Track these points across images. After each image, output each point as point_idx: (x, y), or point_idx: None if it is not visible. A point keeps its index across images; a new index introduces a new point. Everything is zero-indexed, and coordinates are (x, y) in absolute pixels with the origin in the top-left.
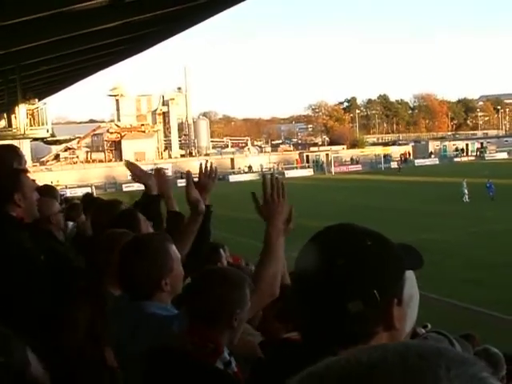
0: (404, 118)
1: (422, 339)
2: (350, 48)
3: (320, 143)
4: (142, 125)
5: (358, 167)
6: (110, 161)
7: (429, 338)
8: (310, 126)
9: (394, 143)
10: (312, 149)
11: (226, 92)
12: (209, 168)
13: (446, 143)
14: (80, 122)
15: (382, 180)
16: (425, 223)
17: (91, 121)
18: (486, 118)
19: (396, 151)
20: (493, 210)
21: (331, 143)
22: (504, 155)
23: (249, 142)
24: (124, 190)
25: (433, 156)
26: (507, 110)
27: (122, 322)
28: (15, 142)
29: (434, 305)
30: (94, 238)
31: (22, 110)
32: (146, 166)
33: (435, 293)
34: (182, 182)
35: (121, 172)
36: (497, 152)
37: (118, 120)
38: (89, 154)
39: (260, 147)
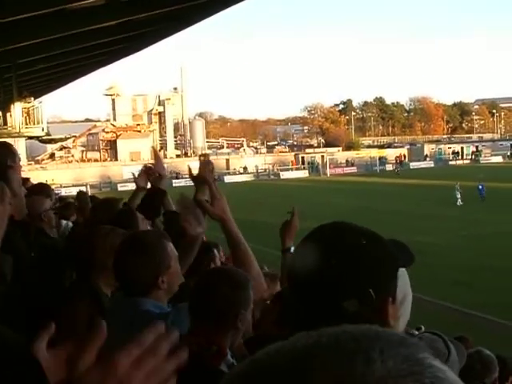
0: (400, 120)
1: (416, 339)
2: (347, 50)
3: (315, 145)
4: (138, 124)
5: (354, 169)
6: (106, 160)
7: (423, 338)
8: (306, 127)
9: (389, 146)
10: (307, 150)
11: (222, 93)
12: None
13: (442, 146)
14: (76, 121)
15: (377, 182)
16: (419, 226)
17: (87, 120)
18: (482, 122)
19: (391, 154)
20: (486, 213)
21: (327, 145)
22: (499, 159)
23: (244, 143)
24: (119, 189)
25: (428, 159)
26: (502, 113)
27: (116, 318)
28: (10, 141)
29: (426, 307)
30: (84, 235)
31: (17, 108)
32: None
33: (427, 295)
34: (177, 182)
35: (116, 171)
36: (492, 155)
37: (114, 119)
38: (84, 153)
39: (255, 148)
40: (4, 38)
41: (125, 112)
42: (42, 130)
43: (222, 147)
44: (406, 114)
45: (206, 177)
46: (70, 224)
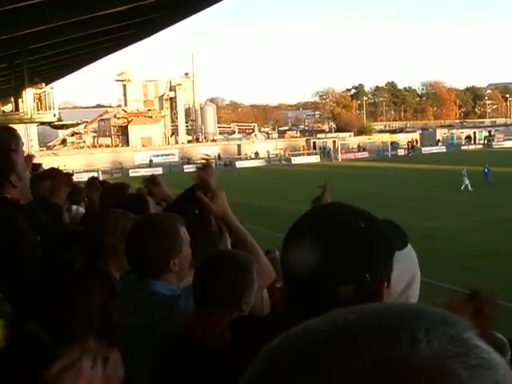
0: (412, 105)
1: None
2: (359, 34)
3: (327, 130)
4: (149, 110)
5: (365, 154)
6: (117, 146)
7: None
8: (318, 112)
9: (401, 131)
10: (319, 135)
11: (234, 78)
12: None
13: (454, 131)
14: (87, 107)
15: (388, 167)
16: (430, 211)
17: (98, 106)
18: (494, 106)
19: (403, 139)
20: (499, 198)
21: (338, 130)
22: None
23: (256, 129)
24: (130, 175)
25: (440, 144)
26: None
27: (128, 301)
28: (22, 126)
29: (435, 290)
30: (95, 220)
31: (29, 94)
32: (153, 152)
33: (438, 280)
34: (188, 168)
35: (127, 157)
36: (505, 140)
37: (125, 105)
38: (95, 138)
39: (267, 133)
40: (13, 24)
41: (136, 98)
42: (54, 115)
43: (234, 132)
44: (418, 99)
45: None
46: (81, 209)
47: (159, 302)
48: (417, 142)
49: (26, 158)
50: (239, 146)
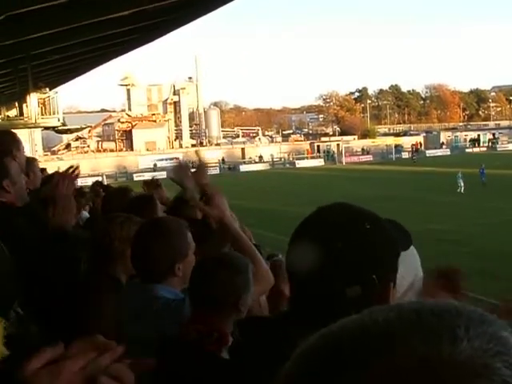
0: (415, 108)
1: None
2: (362, 37)
3: (331, 133)
4: (153, 114)
5: (369, 157)
6: (121, 150)
7: None
8: (321, 116)
9: (405, 134)
10: (323, 139)
11: (237, 82)
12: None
13: (458, 134)
14: (91, 112)
15: (393, 170)
16: (436, 214)
17: (102, 110)
18: (499, 109)
19: (407, 142)
20: (504, 201)
21: (342, 133)
22: None
23: (260, 132)
24: (135, 179)
25: (444, 147)
26: None
27: (129, 301)
28: (26, 131)
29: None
30: (100, 224)
31: (33, 98)
32: (157, 156)
33: None
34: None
35: (131, 161)
36: (509, 143)
37: (129, 109)
38: (100, 143)
39: (271, 137)
40: (17, 29)
41: (140, 102)
42: (58, 120)
43: (238, 136)
44: (421, 102)
45: (202, 181)
46: (85, 213)
47: (163, 306)
48: (421, 144)
49: (31, 161)
50: (243, 149)
